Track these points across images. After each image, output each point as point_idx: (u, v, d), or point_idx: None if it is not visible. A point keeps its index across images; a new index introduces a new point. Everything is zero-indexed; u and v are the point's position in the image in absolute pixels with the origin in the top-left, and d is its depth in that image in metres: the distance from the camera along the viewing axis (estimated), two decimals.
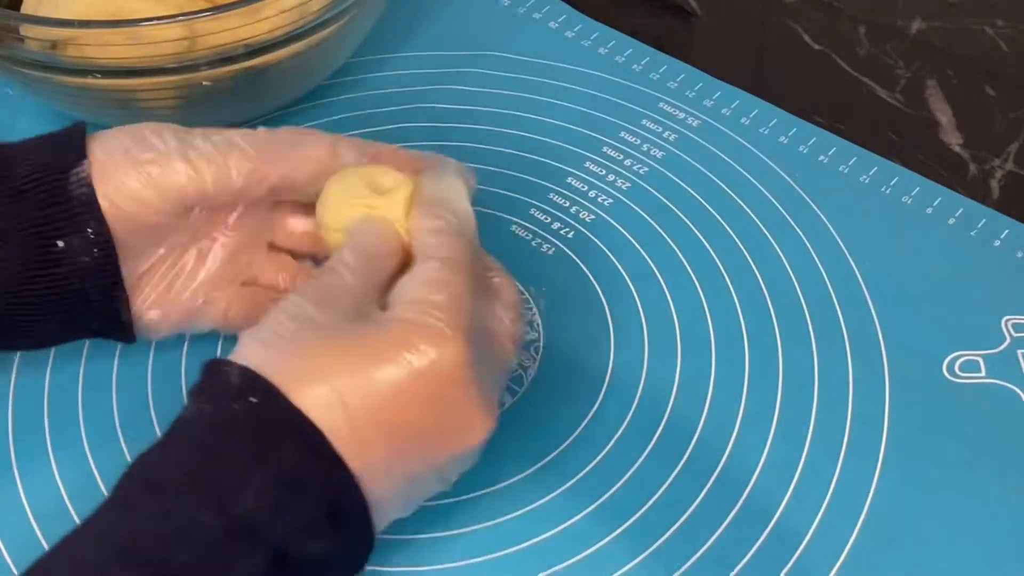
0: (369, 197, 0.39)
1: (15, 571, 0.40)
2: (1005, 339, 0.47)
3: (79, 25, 0.47)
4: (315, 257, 0.45)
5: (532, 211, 0.53)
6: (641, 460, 0.43)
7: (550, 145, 0.55)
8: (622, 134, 0.56)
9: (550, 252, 0.51)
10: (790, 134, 0.56)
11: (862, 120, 0.57)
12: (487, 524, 0.42)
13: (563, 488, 0.43)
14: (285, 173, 0.40)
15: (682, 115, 0.57)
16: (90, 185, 0.38)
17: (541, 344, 0.47)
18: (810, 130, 0.56)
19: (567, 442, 0.44)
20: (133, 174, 0.39)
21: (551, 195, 0.53)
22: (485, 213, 0.52)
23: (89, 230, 0.39)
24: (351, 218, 0.39)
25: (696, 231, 0.52)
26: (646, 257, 0.51)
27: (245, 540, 0.31)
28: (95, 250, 0.39)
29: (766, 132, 0.56)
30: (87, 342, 0.46)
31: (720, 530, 0.41)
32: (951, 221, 0.52)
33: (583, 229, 0.52)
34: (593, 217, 0.52)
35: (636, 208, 0.53)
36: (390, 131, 0.56)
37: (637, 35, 0.62)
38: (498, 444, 0.44)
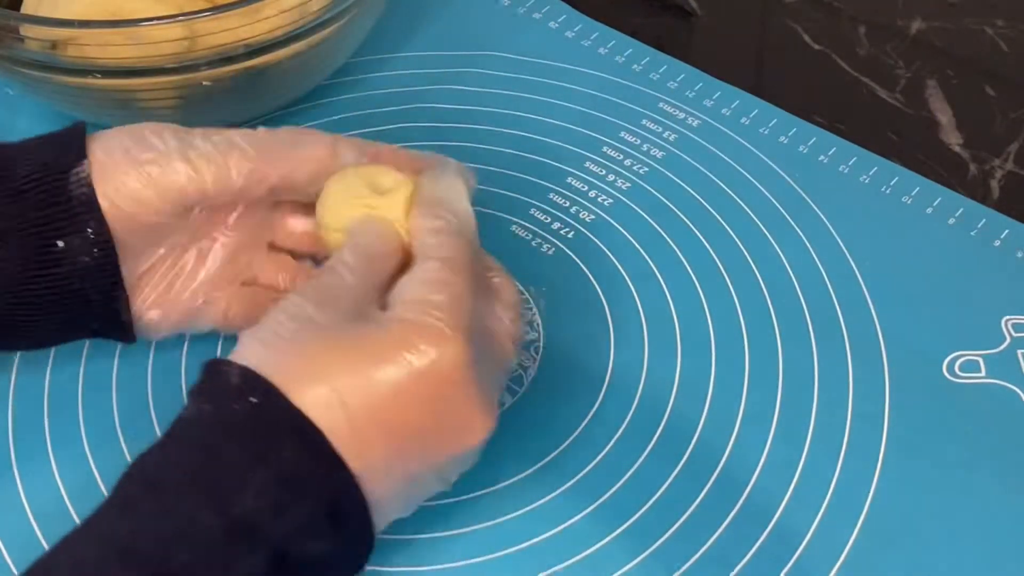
0: (369, 197, 0.39)
1: (15, 571, 0.40)
2: (1005, 339, 0.47)
3: (79, 25, 0.47)
4: (315, 257, 0.45)
5: (532, 211, 0.53)
6: (641, 460, 0.43)
7: (550, 145, 0.55)
8: (622, 134, 0.56)
9: (550, 252, 0.51)
10: (790, 134, 0.56)
11: (862, 120, 0.57)
12: (487, 524, 0.42)
13: (563, 488, 0.43)
14: (285, 173, 0.40)
15: (682, 115, 0.57)
16: (90, 185, 0.38)
17: (541, 344, 0.47)
18: (810, 130, 0.56)
19: (567, 442, 0.44)
20: (133, 174, 0.39)
21: (551, 195, 0.53)
22: (485, 213, 0.52)
23: (89, 230, 0.38)
24: (351, 218, 0.39)
25: (696, 231, 0.52)
26: (646, 257, 0.51)
27: (245, 540, 0.31)
28: (95, 250, 0.39)
29: (766, 132, 0.56)
30: (87, 342, 0.46)
31: (720, 530, 0.41)
32: (951, 221, 0.52)
33: (583, 229, 0.52)
34: (593, 217, 0.52)
35: (636, 208, 0.53)
36: (390, 131, 0.56)
37: (637, 35, 0.62)
38: (498, 444, 0.44)
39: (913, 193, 0.53)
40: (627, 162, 0.55)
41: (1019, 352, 0.47)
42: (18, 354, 0.46)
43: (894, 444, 0.44)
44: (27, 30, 0.48)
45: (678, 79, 0.59)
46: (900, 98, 0.59)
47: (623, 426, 0.45)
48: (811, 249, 0.51)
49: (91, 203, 0.38)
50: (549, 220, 0.52)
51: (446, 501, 0.42)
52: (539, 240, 0.51)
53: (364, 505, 0.34)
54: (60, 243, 0.38)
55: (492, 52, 0.60)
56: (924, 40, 0.62)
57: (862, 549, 0.41)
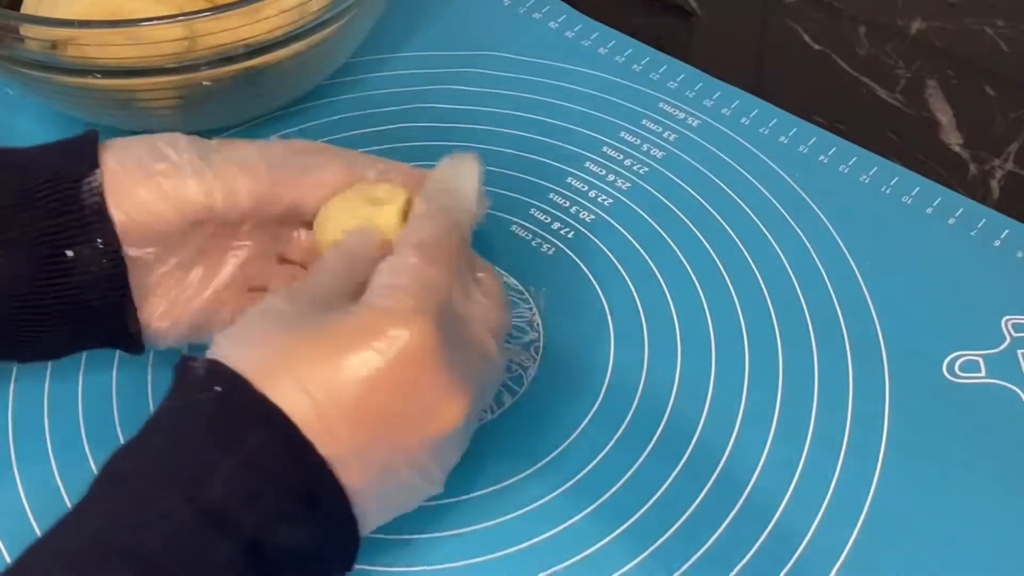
0: (362, 208, 0.39)
1: None
2: (1005, 339, 0.48)
3: (79, 25, 0.47)
4: None
5: (532, 211, 0.53)
6: (641, 460, 0.43)
7: (550, 145, 0.55)
8: (622, 134, 0.56)
9: (550, 252, 0.51)
10: (790, 134, 0.56)
11: (862, 120, 0.57)
12: (487, 524, 0.42)
13: (563, 488, 0.43)
14: (295, 198, 0.40)
15: (682, 115, 0.57)
16: (101, 195, 0.38)
17: (541, 344, 0.47)
18: (810, 130, 0.56)
19: (567, 442, 0.44)
20: (145, 186, 0.39)
21: (551, 195, 0.53)
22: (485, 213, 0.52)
23: (99, 240, 0.38)
24: (344, 231, 0.39)
25: (696, 231, 0.52)
26: (646, 257, 0.51)
27: (216, 527, 0.32)
28: (104, 260, 0.39)
29: (766, 132, 0.56)
30: None
31: (720, 530, 0.41)
32: (951, 221, 0.52)
33: (583, 229, 0.52)
34: (593, 217, 0.52)
35: (636, 208, 0.53)
36: (390, 131, 0.56)
37: (637, 35, 0.62)
38: (498, 444, 0.44)
39: (913, 193, 0.53)
40: (627, 162, 0.55)
41: (1019, 352, 0.47)
42: None
43: (894, 444, 0.44)
44: (27, 30, 0.48)
45: (678, 79, 0.59)
46: (900, 98, 0.59)
47: (623, 426, 0.45)
48: (811, 249, 0.51)
49: (102, 213, 0.38)
50: (549, 220, 0.52)
51: (446, 501, 0.42)
52: (539, 240, 0.51)
53: (340, 490, 0.34)
54: (70, 252, 0.38)
55: (492, 52, 0.60)
56: (924, 40, 0.62)
57: (862, 549, 0.41)
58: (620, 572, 0.40)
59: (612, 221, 0.52)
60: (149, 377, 0.46)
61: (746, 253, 0.51)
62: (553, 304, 0.49)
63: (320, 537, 0.34)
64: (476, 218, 0.40)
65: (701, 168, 0.54)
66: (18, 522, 0.41)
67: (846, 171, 0.54)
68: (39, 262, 0.38)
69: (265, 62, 0.50)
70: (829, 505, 0.42)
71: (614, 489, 0.43)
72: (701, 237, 0.51)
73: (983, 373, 0.46)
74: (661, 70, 0.59)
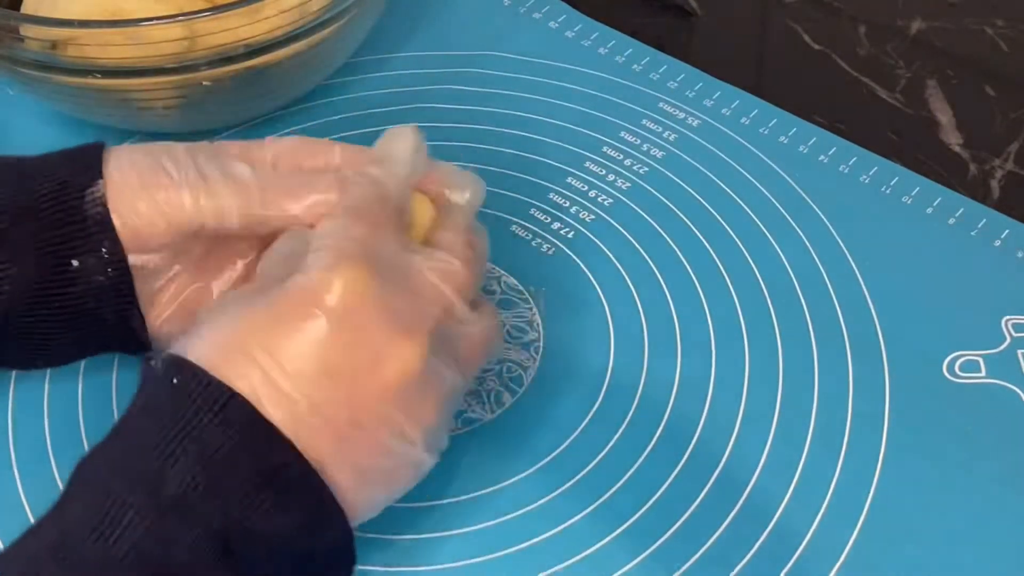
0: None
1: None
2: (1005, 339, 0.47)
3: (79, 25, 0.47)
4: None
5: (532, 211, 0.53)
6: (641, 460, 0.43)
7: (550, 145, 0.55)
8: (622, 134, 0.56)
9: (550, 252, 0.51)
10: (790, 134, 0.56)
11: (862, 120, 0.57)
12: (487, 524, 0.42)
13: (563, 488, 0.43)
14: (283, 223, 0.40)
15: (682, 115, 0.57)
16: (104, 205, 0.38)
17: (541, 344, 0.47)
18: (810, 130, 0.56)
19: (567, 442, 0.44)
20: (142, 199, 0.39)
21: (551, 195, 0.53)
22: (485, 213, 0.52)
23: (103, 249, 0.39)
24: None
25: (696, 231, 0.52)
26: (646, 257, 0.51)
27: (176, 519, 0.32)
28: (109, 269, 0.39)
29: (766, 132, 0.56)
30: None
31: (720, 530, 0.41)
32: (951, 221, 0.52)
33: (583, 229, 0.52)
34: (593, 217, 0.52)
35: (636, 208, 0.53)
36: None
37: (637, 35, 0.62)
38: (498, 444, 0.44)
39: (913, 193, 0.53)
40: (627, 162, 0.55)
41: (1019, 352, 0.47)
42: None
43: (894, 444, 0.44)
44: (27, 30, 0.48)
45: (678, 79, 0.59)
46: (900, 98, 0.59)
47: (623, 426, 0.45)
48: (811, 249, 0.51)
49: (106, 223, 0.38)
50: (549, 220, 0.52)
51: (446, 501, 0.42)
52: (539, 240, 0.51)
53: (307, 467, 0.34)
54: (75, 262, 0.39)
55: (492, 52, 0.60)
56: (924, 40, 0.62)
57: (862, 549, 0.41)
58: (620, 572, 0.40)
59: (612, 221, 0.52)
60: None
61: (746, 253, 0.51)
62: (553, 304, 0.49)
63: (300, 525, 0.34)
64: (407, 178, 0.40)
65: (701, 168, 0.54)
66: (18, 522, 0.41)
67: (846, 171, 0.54)
68: (46, 272, 0.38)
69: (265, 62, 0.50)
70: (829, 505, 0.42)
71: (614, 489, 0.43)
72: (701, 237, 0.51)
73: (983, 373, 0.46)
74: (661, 70, 0.59)
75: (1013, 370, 0.46)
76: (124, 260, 0.39)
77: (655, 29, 0.63)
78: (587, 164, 0.55)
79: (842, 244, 0.51)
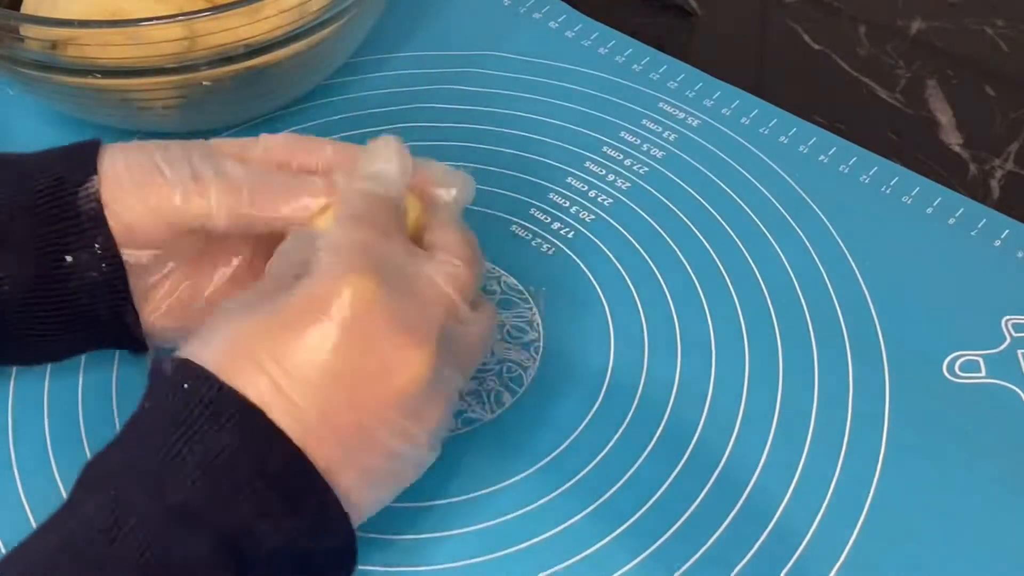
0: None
1: None
2: (1005, 339, 0.47)
3: (79, 25, 0.47)
4: None
5: (532, 211, 0.53)
6: (641, 460, 0.43)
7: (550, 145, 0.55)
8: (622, 134, 0.56)
9: (550, 252, 0.51)
10: (790, 134, 0.56)
11: (862, 120, 0.57)
12: (487, 524, 0.42)
13: (563, 488, 0.43)
14: (271, 224, 0.40)
15: (682, 115, 0.57)
16: (98, 201, 0.39)
17: (541, 344, 0.47)
18: (810, 130, 0.56)
19: (567, 442, 0.44)
20: (135, 195, 0.39)
21: (551, 195, 0.53)
22: (485, 213, 0.52)
23: (97, 245, 0.39)
24: None
25: (696, 231, 0.52)
26: (646, 257, 0.51)
27: (186, 526, 0.32)
28: (103, 265, 0.39)
29: (766, 132, 0.56)
30: None
31: (720, 530, 0.41)
32: (951, 221, 0.52)
33: (583, 229, 0.52)
34: (593, 217, 0.52)
35: (636, 208, 0.53)
36: (390, 131, 0.55)
37: (637, 35, 0.62)
38: (498, 444, 0.44)
39: (913, 193, 0.53)
40: (627, 162, 0.55)
41: (1019, 352, 0.47)
42: None
43: (894, 444, 0.44)
44: (27, 30, 0.48)
45: (678, 79, 0.59)
46: (900, 98, 0.59)
47: (623, 426, 0.45)
48: (811, 249, 0.51)
49: (99, 219, 0.39)
50: (549, 220, 0.52)
51: (446, 501, 0.42)
52: (539, 240, 0.51)
53: (315, 475, 0.34)
54: (69, 258, 0.39)
55: (492, 52, 0.60)
56: (924, 40, 0.62)
57: (862, 549, 0.41)
58: (620, 572, 0.40)
59: (612, 221, 0.52)
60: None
61: (746, 253, 0.51)
62: (553, 304, 0.49)
63: (305, 529, 0.34)
64: (402, 181, 0.40)
65: (701, 168, 0.54)
66: (18, 522, 0.41)
67: (846, 171, 0.54)
68: (41, 268, 0.39)
69: (265, 62, 0.50)
70: (829, 505, 0.42)
71: (614, 489, 0.43)
72: (701, 237, 0.51)
73: (983, 373, 0.46)
74: (661, 70, 0.59)
75: (1013, 370, 0.46)
76: (118, 256, 0.39)
77: (655, 29, 0.63)
78: (587, 164, 0.55)
79: (842, 244, 0.51)
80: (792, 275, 0.50)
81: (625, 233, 0.52)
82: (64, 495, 0.42)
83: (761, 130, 0.56)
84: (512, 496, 0.42)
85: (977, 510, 0.42)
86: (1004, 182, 0.55)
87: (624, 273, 0.50)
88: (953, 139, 0.57)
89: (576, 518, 0.42)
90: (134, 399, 0.45)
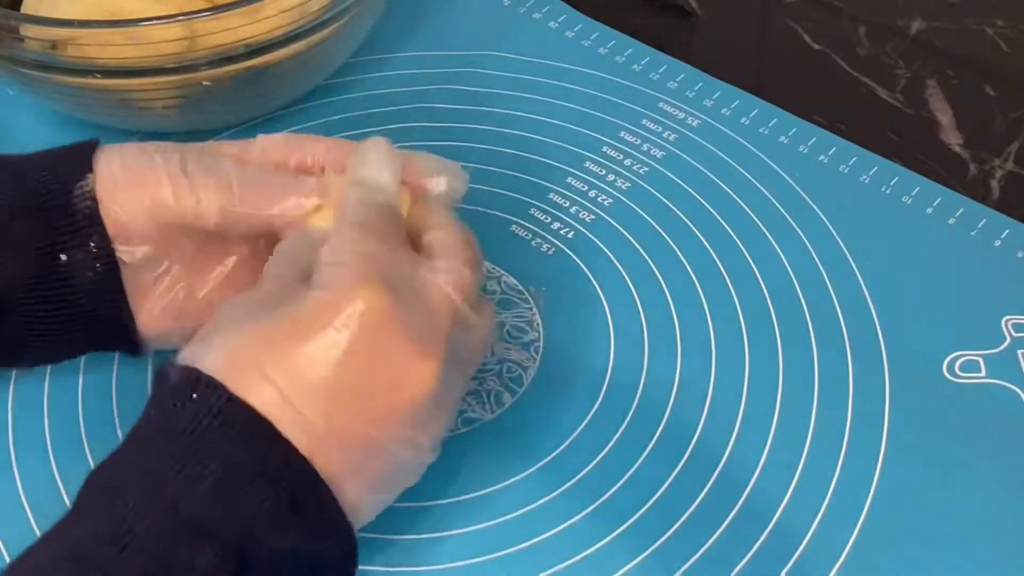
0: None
1: None
2: (1005, 339, 0.47)
3: (79, 25, 0.47)
4: None
5: (532, 211, 0.53)
6: (641, 460, 0.43)
7: (550, 145, 0.55)
8: (622, 134, 0.56)
9: (550, 252, 0.51)
10: (790, 134, 0.56)
11: (862, 120, 0.57)
12: (487, 524, 0.42)
13: (563, 488, 0.43)
14: (261, 222, 0.40)
15: (682, 115, 0.57)
16: (94, 199, 0.39)
17: (541, 344, 0.47)
18: (810, 130, 0.56)
19: (567, 442, 0.44)
20: (128, 193, 0.39)
21: (551, 195, 0.53)
22: (485, 213, 0.52)
23: (92, 244, 0.39)
24: None
25: (696, 231, 0.52)
26: (646, 257, 0.51)
27: (194, 537, 0.32)
28: (98, 264, 0.39)
29: (766, 132, 0.56)
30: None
31: (720, 530, 0.41)
32: (951, 221, 0.52)
33: (583, 229, 0.52)
34: (593, 217, 0.52)
35: (636, 208, 0.53)
36: (390, 131, 0.56)
37: (637, 35, 0.62)
38: (498, 444, 0.44)
39: (913, 193, 0.53)
40: (627, 162, 0.55)
41: (1019, 352, 0.47)
42: None
43: (894, 444, 0.44)
44: (27, 30, 0.48)
45: (678, 79, 0.59)
46: (900, 98, 0.59)
47: (623, 426, 0.45)
48: (811, 249, 0.51)
49: (94, 217, 0.39)
50: (549, 220, 0.52)
51: (446, 501, 0.42)
52: (539, 240, 0.51)
53: (322, 486, 0.34)
54: (64, 256, 0.39)
55: (492, 52, 0.60)
56: (924, 40, 0.62)
57: (862, 549, 0.41)
58: (620, 572, 0.40)
59: (612, 221, 0.52)
60: (149, 377, 0.46)
61: (746, 253, 0.51)
62: (553, 304, 0.49)
63: (309, 540, 0.34)
64: (395, 193, 0.40)
65: (701, 168, 0.54)
66: (18, 521, 0.41)
67: (846, 171, 0.54)
68: (40, 268, 0.38)
69: (265, 62, 0.50)
70: (829, 505, 0.42)
71: (614, 489, 0.43)
72: (701, 237, 0.51)
73: (983, 373, 0.46)
74: (661, 70, 0.59)
75: (1013, 370, 0.46)
76: (112, 255, 0.39)
77: (655, 29, 0.63)
78: (587, 164, 0.55)
79: (842, 244, 0.51)
80: (792, 275, 0.50)
81: (625, 233, 0.52)
82: (64, 495, 0.42)
83: (761, 130, 0.56)
84: (512, 496, 0.42)
85: (977, 510, 0.42)
86: (1004, 182, 0.55)
87: (624, 273, 0.50)
88: (953, 139, 0.57)
89: (576, 518, 0.42)
90: (134, 400, 0.45)
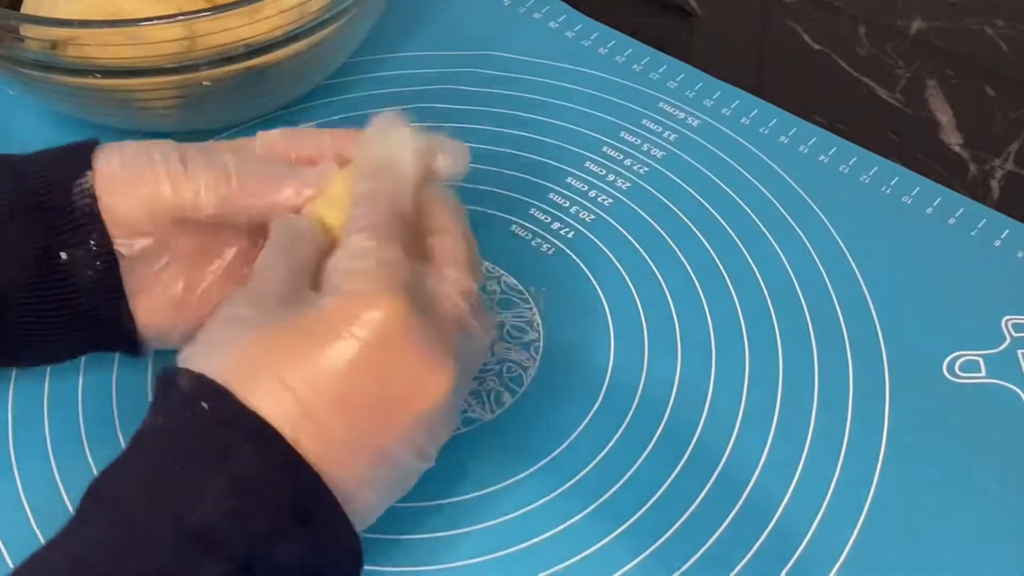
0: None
1: None
2: (1005, 339, 0.47)
3: (79, 25, 0.47)
4: None
5: (532, 211, 0.53)
6: (641, 460, 0.43)
7: (550, 145, 0.55)
8: (622, 134, 0.56)
9: (550, 252, 0.51)
10: (790, 134, 0.56)
11: (862, 120, 0.57)
12: (487, 524, 0.42)
13: (563, 488, 0.43)
14: (259, 211, 0.40)
15: (682, 115, 0.57)
16: (93, 196, 0.39)
17: (541, 344, 0.47)
18: (810, 130, 0.56)
19: (567, 442, 0.44)
20: (128, 187, 0.39)
21: (551, 195, 0.53)
22: (485, 213, 0.52)
23: (92, 241, 0.39)
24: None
25: (696, 231, 0.52)
26: (646, 257, 0.51)
27: (201, 549, 0.31)
28: (98, 262, 0.39)
29: (766, 132, 0.56)
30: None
31: (720, 530, 0.41)
32: (951, 221, 0.52)
33: (583, 229, 0.52)
34: (593, 217, 0.52)
35: (636, 208, 0.53)
36: None
37: (637, 35, 0.62)
38: (498, 444, 0.44)
39: (913, 193, 0.53)
40: (627, 162, 0.55)
41: (1019, 352, 0.47)
42: None
43: (894, 444, 0.44)
44: (27, 30, 0.48)
45: (678, 79, 0.59)
46: (900, 98, 0.59)
47: (623, 426, 0.45)
48: (811, 249, 0.51)
49: (93, 214, 0.39)
50: (549, 220, 0.52)
51: (446, 501, 0.42)
52: (539, 240, 0.51)
53: (332, 500, 0.33)
54: (64, 255, 0.39)
55: (492, 52, 0.60)
56: (924, 40, 0.62)
57: (862, 549, 0.41)
58: (620, 572, 0.40)
59: (612, 221, 0.52)
60: (149, 377, 0.46)
61: (746, 253, 0.51)
62: (553, 304, 0.49)
63: (316, 551, 0.33)
64: (416, 180, 0.39)
65: (701, 168, 0.54)
66: (18, 522, 0.41)
67: (846, 171, 0.54)
68: (40, 267, 0.38)
69: (265, 62, 0.50)
70: (829, 505, 0.42)
71: (614, 489, 0.43)
72: (701, 237, 0.51)
73: (983, 373, 0.46)
74: (661, 70, 0.59)
75: (1013, 370, 0.46)
76: (112, 253, 0.39)
77: (655, 29, 0.63)
78: (587, 164, 0.55)
79: (842, 244, 0.51)
80: (792, 275, 0.50)
81: (625, 233, 0.52)
82: (64, 495, 0.42)
83: (761, 130, 0.56)
84: (512, 496, 0.42)
85: (977, 510, 0.42)
86: (1004, 182, 0.55)
87: (624, 273, 0.50)
88: (953, 139, 0.57)
89: (576, 518, 0.42)
90: (134, 400, 0.45)
